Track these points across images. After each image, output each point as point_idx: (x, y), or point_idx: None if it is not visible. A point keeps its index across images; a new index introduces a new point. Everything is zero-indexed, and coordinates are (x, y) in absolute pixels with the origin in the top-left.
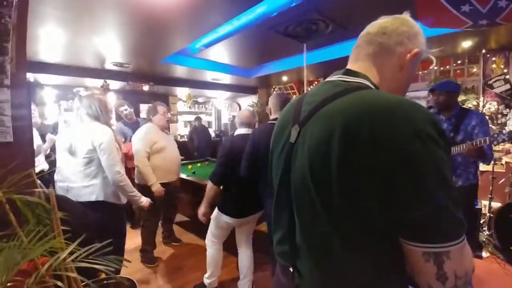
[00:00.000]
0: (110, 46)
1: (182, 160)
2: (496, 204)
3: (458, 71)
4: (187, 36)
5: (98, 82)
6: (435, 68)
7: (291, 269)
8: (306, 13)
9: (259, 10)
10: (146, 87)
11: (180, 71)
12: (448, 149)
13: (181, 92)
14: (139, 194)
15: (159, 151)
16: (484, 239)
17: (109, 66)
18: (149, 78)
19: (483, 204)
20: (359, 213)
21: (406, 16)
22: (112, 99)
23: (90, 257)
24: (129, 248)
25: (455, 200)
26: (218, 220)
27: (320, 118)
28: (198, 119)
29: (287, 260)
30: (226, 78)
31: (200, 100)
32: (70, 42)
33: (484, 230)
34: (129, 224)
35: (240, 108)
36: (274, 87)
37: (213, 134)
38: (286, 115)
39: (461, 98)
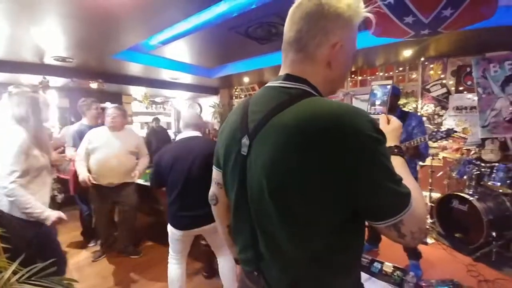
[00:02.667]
0: (50, 38)
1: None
2: (435, 195)
3: (400, 77)
4: (141, 31)
5: (37, 79)
6: (381, 74)
7: (256, 273)
8: (266, 16)
9: (219, 9)
10: (94, 85)
11: (134, 68)
12: (386, 141)
13: (136, 91)
14: (39, 208)
15: (92, 152)
16: (428, 227)
17: (49, 60)
18: (97, 75)
19: (424, 194)
20: (322, 220)
21: (321, 1)
22: (53, 98)
23: (33, 278)
24: (81, 263)
25: (399, 181)
26: (168, 229)
27: (271, 132)
28: (156, 120)
29: (251, 266)
30: (186, 78)
31: (158, 100)
32: (3, 34)
33: (427, 218)
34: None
35: (201, 109)
36: (235, 88)
37: (173, 136)
38: (232, 124)
39: (402, 101)
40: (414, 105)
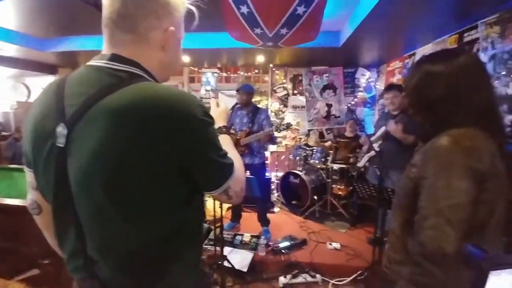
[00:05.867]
0: None
1: None
2: (280, 174)
3: (256, 78)
4: None
5: None
6: (242, 73)
7: (89, 280)
8: None
9: None
10: None
11: None
12: (214, 122)
13: None
14: None
15: None
16: (275, 199)
17: None
18: None
19: (273, 174)
20: (162, 202)
21: None
22: None
23: None
24: None
25: (225, 155)
26: None
27: (99, 116)
28: None
29: (83, 273)
30: (3, 47)
31: None
32: None
33: (274, 193)
34: None
35: (29, 91)
36: None
37: None
38: (41, 112)
39: (257, 98)
40: (266, 102)
